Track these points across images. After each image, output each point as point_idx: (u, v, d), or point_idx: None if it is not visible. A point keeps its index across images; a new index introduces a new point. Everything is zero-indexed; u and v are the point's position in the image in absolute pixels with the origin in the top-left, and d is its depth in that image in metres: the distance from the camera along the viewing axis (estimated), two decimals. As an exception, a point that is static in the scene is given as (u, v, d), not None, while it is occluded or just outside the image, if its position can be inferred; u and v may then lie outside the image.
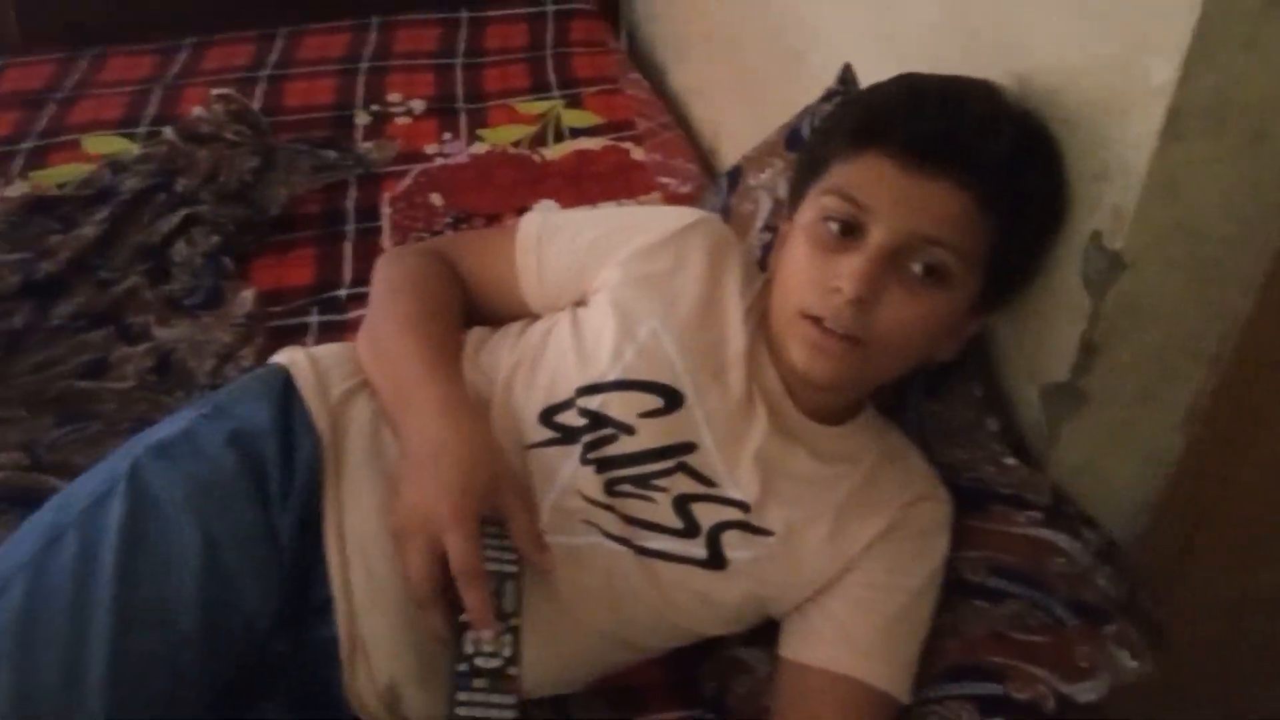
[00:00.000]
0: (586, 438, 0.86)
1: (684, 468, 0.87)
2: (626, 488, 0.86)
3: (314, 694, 0.82)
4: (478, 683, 0.74)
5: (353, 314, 1.34)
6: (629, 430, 0.86)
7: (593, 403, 0.86)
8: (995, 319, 0.94)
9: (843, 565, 0.87)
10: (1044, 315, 0.90)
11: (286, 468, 0.84)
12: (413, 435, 0.83)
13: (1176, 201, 0.78)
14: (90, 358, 1.23)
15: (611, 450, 0.86)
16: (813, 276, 0.82)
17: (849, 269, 0.79)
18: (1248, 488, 1.05)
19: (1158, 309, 0.85)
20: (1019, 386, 0.95)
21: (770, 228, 1.13)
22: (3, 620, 0.72)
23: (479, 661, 0.74)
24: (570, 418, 0.87)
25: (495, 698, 0.74)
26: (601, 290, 0.92)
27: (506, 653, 0.75)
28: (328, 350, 0.96)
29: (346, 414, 0.88)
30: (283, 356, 0.94)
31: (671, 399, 0.87)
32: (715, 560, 0.86)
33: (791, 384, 0.89)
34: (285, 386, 0.89)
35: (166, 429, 0.86)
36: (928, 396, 0.99)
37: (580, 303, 0.95)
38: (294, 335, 1.31)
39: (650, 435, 0.86)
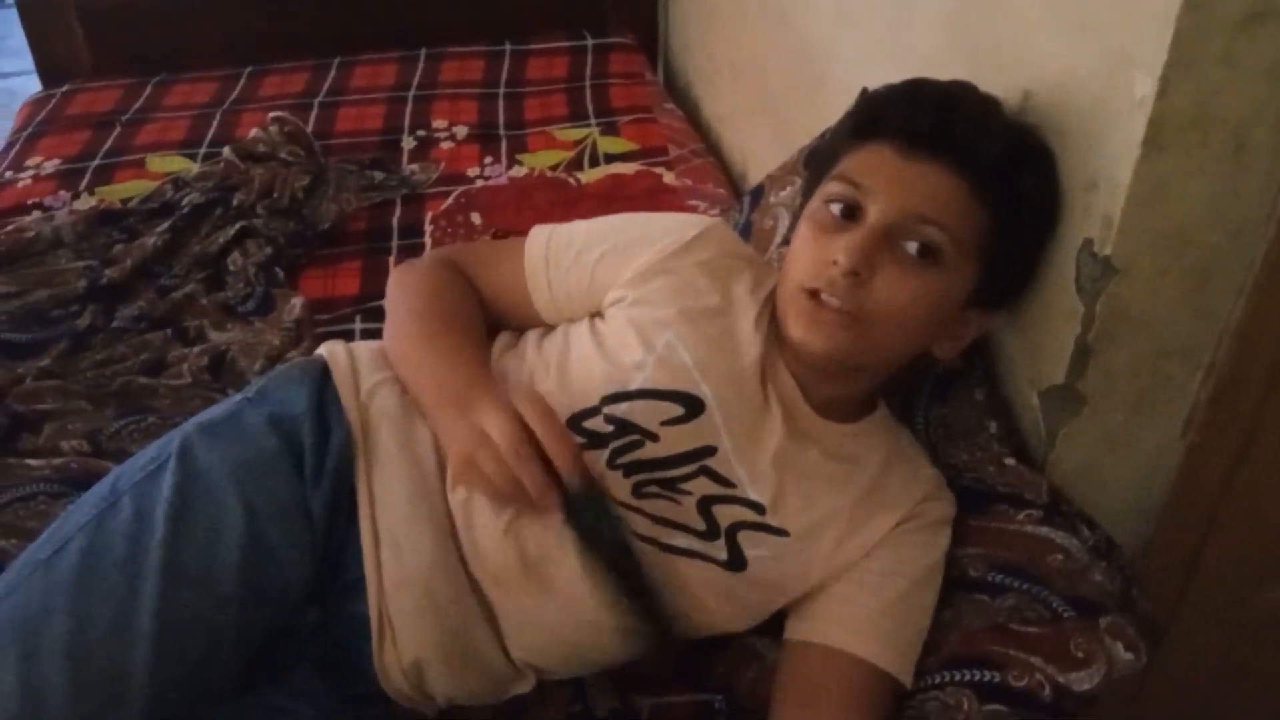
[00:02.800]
0: (614, 444, 0.90)
1: (705, 470, 0.90)
2: (653, 489, 0.90)
3: (342, 666, 0.87)
4: (589, 503, 0.83)
5: (392, 323, 1.42)
6: (653, 437, 0.90)
7: (618, 410, 0.90)
8: (997, 325, 0.99)
9: (855, 559, 0.91)
10: (1042, 321, 0.94)
11: (320, 450, 0.89)
12: (449, 417, 0.88)
13: (1162, 210, 0.82)
14: (149, 356, 1.31)
15: (637, 455, 0.90)
16: (813, 254, 0.87)
17: (845, 243, 0.84)
18: (1249, 499, 1.08)
19: (1150, 314, 0.89)
20: (1020, 391, 0.99)
21: (789, 241, 1.19)
22: (62, 573, 0.79)
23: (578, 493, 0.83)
24: (597, 424, 0.91)
25: (608, 508, 0.85)
26: (617, 305, 0.97)
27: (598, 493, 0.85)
28: (365, 345, 1.02)
29: (375, 404, 0.94)
30: (323, 349, 1.00)
31: (692, 406, 0.90)
32: (736, 561, 0.90)
33: (803, 380, 0.93)
34: (322, 375, 0.95)
35: (214, 411, 0.93)
36: (934, 401, 1.03)
37: (596, 314, 0.99)
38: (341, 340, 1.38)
39: (673, 441, 0.90)
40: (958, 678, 0.88)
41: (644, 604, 0.86)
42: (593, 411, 0.91)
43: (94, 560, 0.79)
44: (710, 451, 0.91)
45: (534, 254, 1.01)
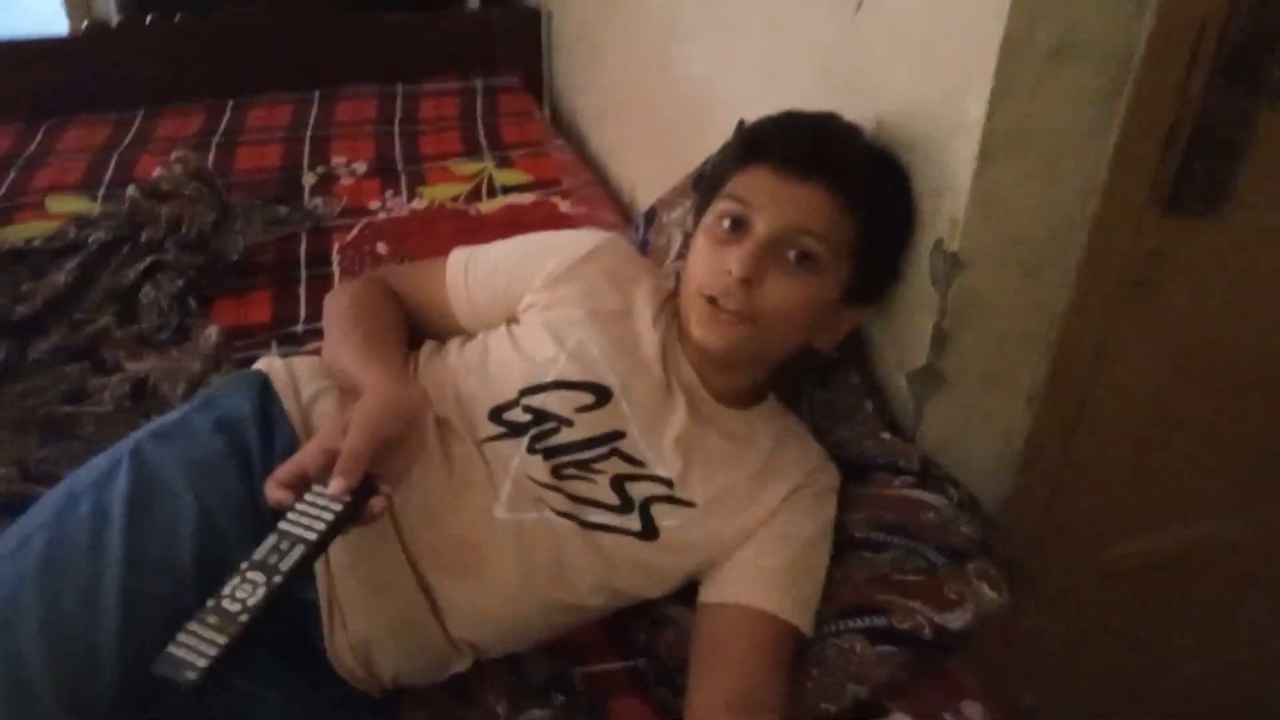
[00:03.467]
0: (533, 431, 0.99)
1: (616, 452, 1.01)
2: (570, 471, 0.99)
3: (299, 650, 0.93)
4: (210, 619, 0.74)
5: (310, 347, 1.48)
6: (568, 423, 1.00)
7: (535, 401, 1.00)
8: (868, 318, 1.13)
9: (753, 527, 1.02)
10: (905, 312, 1.09)
11: (266, 450, 0.95)
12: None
13: (997, 213, 0.98)
14: (69, 387, 1.34)
15: (554, 440, 0.99)
16: (709, 264, 0.98)
17: (736, 255, 0.95)
18: (1087, 463, 1.25)
19: (994, 302, 1.04)
20: (890, 374, 1.14)
21: (683, 256, 1.31)
22: (29, 561, 0.84)
23: (224, 603, 0.75)
24: (516, 415, 1.01)
25: (211, 634, 0.72)
26: (529, 310, 1.08)
27: (251, 601, 0.75)
28: (301, 359, 1.09)
29: (316, 409, 1.02)
30: (261, 364, 1.07)
31: (601, 395, 1.01)
32: (648, 530, 1.00)
33: (703, 371, 1.05)
34: (264, 385, 1.02)
35: (163, 420, 0.99)
36: (817, 387, 1.17)
37: (512, 320, 1.10)
38: (257, 365, 1.44)
39: (586, 426, 1.00)
40: (851, 625, 1.00)
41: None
42: (511, 404, 1.01)
43: (58, 550, 0.84)
44: (619, 435, 1.01)
45: (454, 269, 1.13)
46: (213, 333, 1.46)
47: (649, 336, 1.05)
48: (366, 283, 1.15)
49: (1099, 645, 1.47)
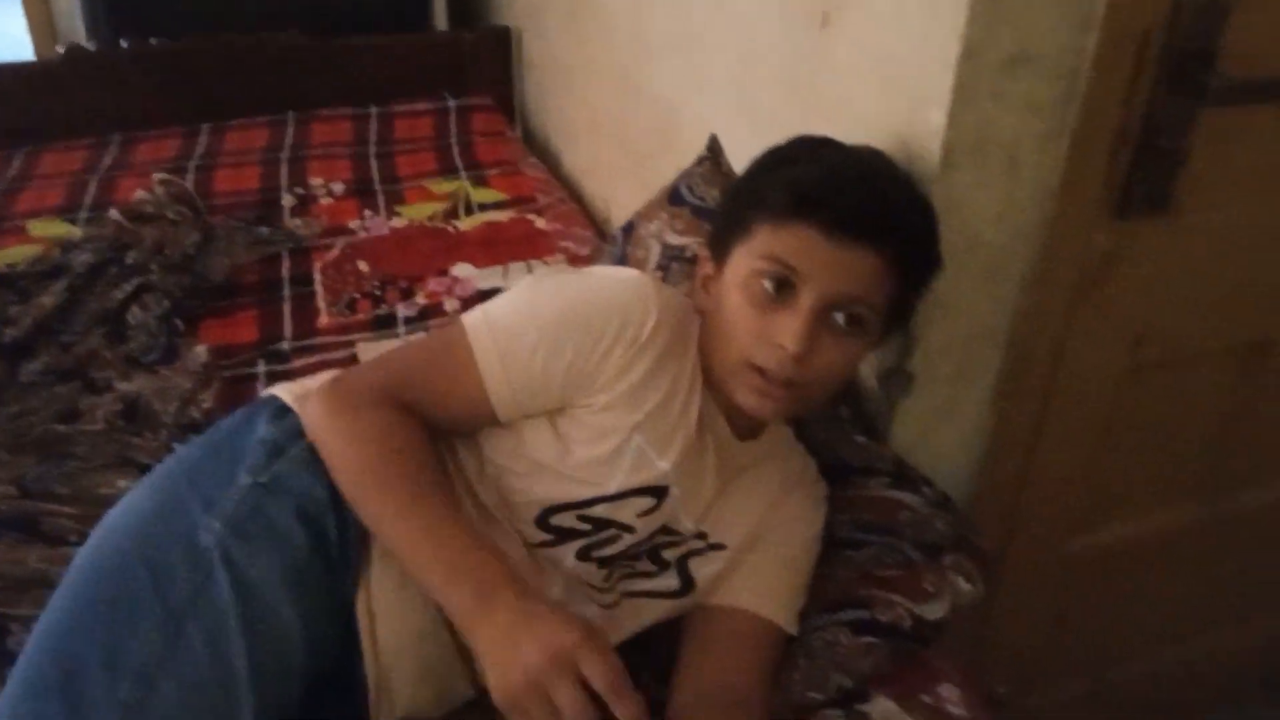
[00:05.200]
0: (589, 539, 0.96)
1: (661, 530, 1.00)
2: (623, 567, 1.00)
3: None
4: None
5: (297, 364, 1.52)
6: (630, 530, 0.97)
7: (596, 511, 0.95)
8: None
9: (764, 534, 1.04)
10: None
11: (343, 540, 0.90)
12: (475, 616, 0.82)
13: (960, 216, 1.03)
14: (62, 407, 1.37)
15: (612, 549, 0.97)
16: (755, 331, 0.91)
17: (790, 329, 0.88)
18: (1051, 458, 1.31)
19: (957, 303, 1.10)
20: (864, 377, 1.18)
21: (662, 267, 1.36)
22: (167, 710, 0.80)
23: None
24: (567, 520, 0.95)
25: None
26: (582, 410, 0.95)
27: None
28: None
29: None
30: (292, 403, 0.98)
31: (660, 494, 0.97)
32: (686, 585, 1.01)
33: (733, 421, 1.00)
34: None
35: (229, 504, 0.89)
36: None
37: (556, 412, 0.96)
38: (246, 382, 1.47)
39: (646, 527, 0.97)
40: (835, 619, 1.04)
41: None
42: (561, 509, 0.95)
43: (190, 693, 0.81)
44: (674, 525, 1.00)
45: (490, 370, 0.93)
46: (201, 351, 1.48)
47: (692, 405, 0.97)
48: (379, 408, 0.92)
49: (1064, 635, 1.52)
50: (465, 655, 0.93)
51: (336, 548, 0.89)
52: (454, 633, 0.90)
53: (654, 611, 1.03)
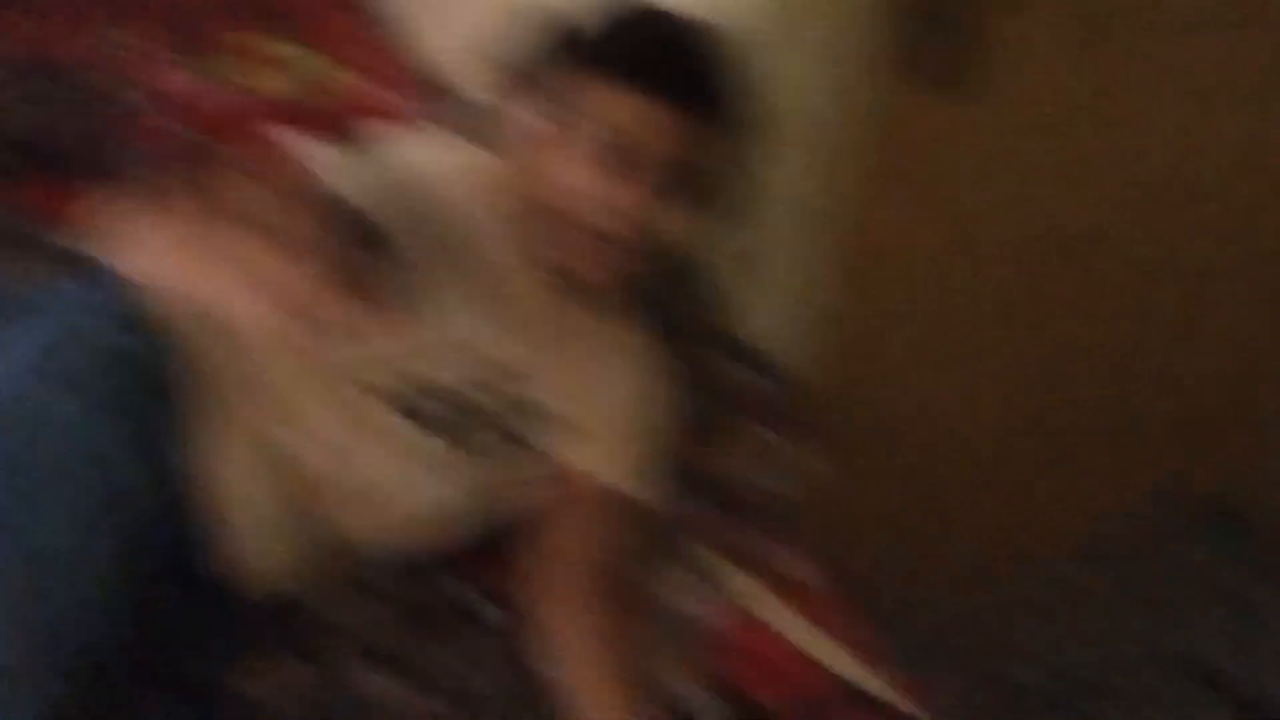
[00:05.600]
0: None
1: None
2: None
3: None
4: None
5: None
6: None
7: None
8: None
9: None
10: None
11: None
12: None
13: (786, 97, 1.04)
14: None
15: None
16: (593, 197, 0.93)
17: (628, 196, 0.92)
18: (879, 337, 1.35)
19: (790, 184, 1.13)
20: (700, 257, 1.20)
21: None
22: None
23: None
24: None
25: None
26: None
27: None
28: None
29: None
30: None
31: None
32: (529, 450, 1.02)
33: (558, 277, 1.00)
34: None
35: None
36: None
37: None
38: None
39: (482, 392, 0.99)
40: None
41: None
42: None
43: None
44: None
45: None
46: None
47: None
48: None
49: (902, 515, 1.54)
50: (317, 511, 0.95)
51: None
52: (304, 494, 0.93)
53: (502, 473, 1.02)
